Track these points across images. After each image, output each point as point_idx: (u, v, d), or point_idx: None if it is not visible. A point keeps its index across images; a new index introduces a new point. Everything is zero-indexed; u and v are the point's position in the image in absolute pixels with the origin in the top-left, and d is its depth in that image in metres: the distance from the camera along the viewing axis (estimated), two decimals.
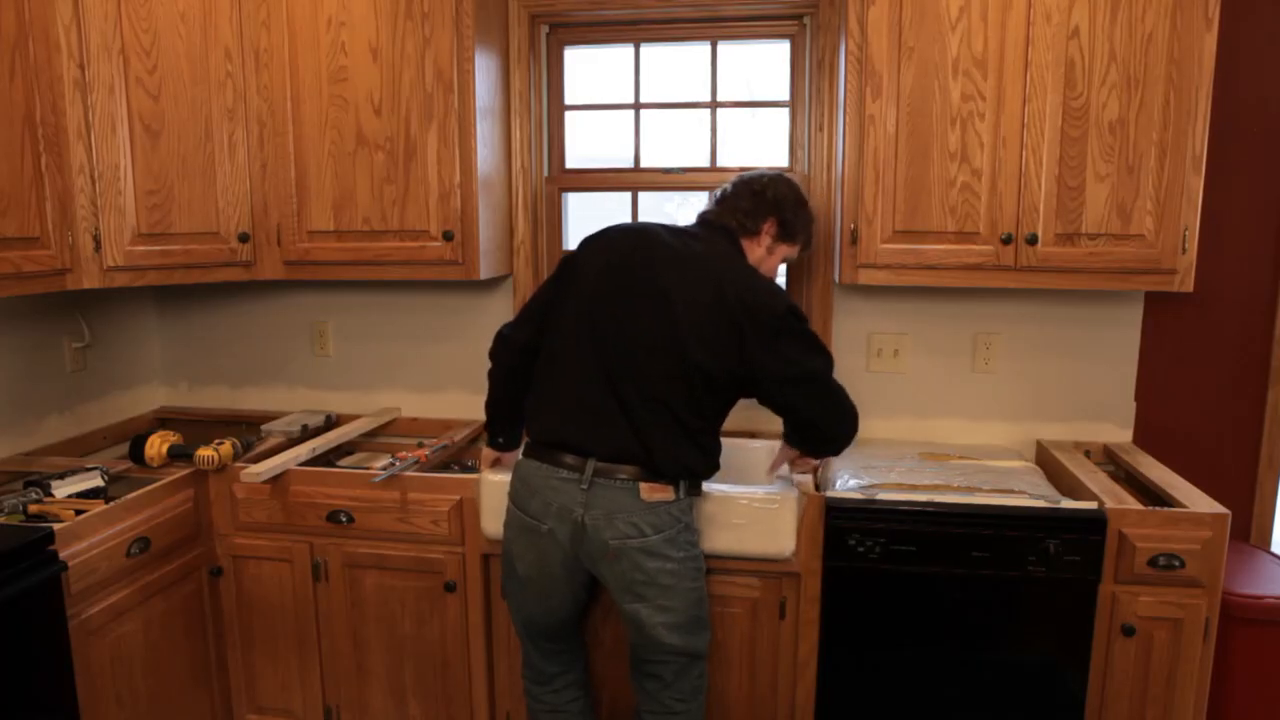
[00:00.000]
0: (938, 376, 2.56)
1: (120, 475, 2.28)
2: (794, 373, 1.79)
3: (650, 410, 1.78)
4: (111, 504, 2.02)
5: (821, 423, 1.88)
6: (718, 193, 2.02)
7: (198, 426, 2.84)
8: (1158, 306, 2.44)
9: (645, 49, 2.64)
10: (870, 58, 2.12)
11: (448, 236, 2.33)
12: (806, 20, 2.50)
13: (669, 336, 1.78)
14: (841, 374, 2.55)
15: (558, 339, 1.88)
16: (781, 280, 2.62)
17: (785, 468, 2.11)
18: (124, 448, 2.48)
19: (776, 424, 2.00)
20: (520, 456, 1.91)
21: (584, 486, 1.79)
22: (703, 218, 2.01)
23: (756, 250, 1.97)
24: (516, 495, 1.89)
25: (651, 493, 1.79)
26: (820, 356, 1.83)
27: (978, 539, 1.98)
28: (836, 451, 1.99)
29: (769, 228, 1.97)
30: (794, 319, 1.80)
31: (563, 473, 1.81)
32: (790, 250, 2.04)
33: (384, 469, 2.20)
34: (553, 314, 1.91)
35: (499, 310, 2.72)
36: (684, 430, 1.80)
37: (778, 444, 2.13)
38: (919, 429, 2.59)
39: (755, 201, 1.96)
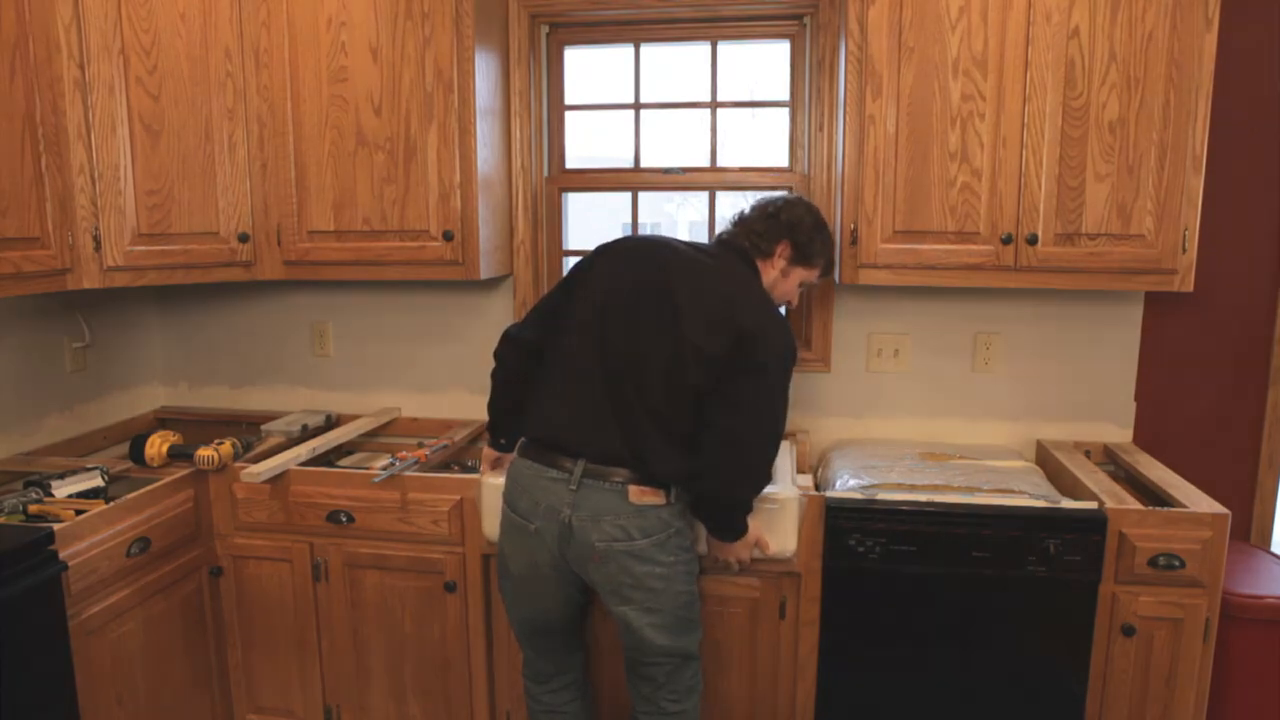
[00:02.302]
0: (938, 376, 2.56)
1: (120, 475, 2.28)
2: (734, 396, 1.76)
3: (646, 416, 1.78)
4: (111, 504, 2.02)
5: (725, 451, 1.79)
6: (736, 215, 2.02)
7: (198, 426, 2.84)
8: (1158, 306, 2.44)
9: (645, 49, 2.64)
10: (870, 58, 2.12)
11: (448, 236, 2.33)
12: (806, 20, 2.50)
13: (675, 345, 1.77)
14: (842, 374, 2.58)
15: (563, 342, 1.88)
16: None
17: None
18: (124, 448, 2.48)
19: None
20: (515, 455, 1.92)
21: (572, 487, 1.79)
22: (719, 238, 2.01)
23: (771, 272, 1.97)
24: (508, 494, 1.90)
25: (641, 496, 1.79)
26: (761, 410, 1.78)
27: (978, 539, 1.98)
28: (720, 507, 1.86)
29: (782, 250, 1.96)
30: (781, 364, 1.79)
31: (553, 472, 1.81)
32: (808, 274, 2.02)
33: (384, 469, 2.20)
34: (561, 318, 1.91)
35: (499, 310, 2.72)
36: (677, 437, 1.80)
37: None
38: (919, 429, 2.59)
39: (769, 224, 1.96)
